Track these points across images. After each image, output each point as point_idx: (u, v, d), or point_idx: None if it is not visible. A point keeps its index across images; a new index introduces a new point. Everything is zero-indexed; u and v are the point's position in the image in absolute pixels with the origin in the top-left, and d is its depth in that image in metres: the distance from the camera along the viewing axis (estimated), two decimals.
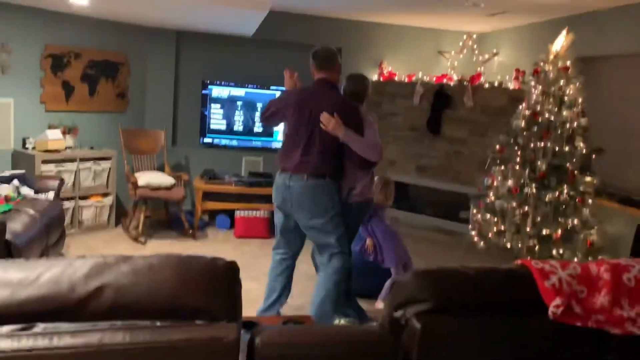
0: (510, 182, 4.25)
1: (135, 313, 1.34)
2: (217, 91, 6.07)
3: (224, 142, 6.19)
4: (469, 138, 5.69)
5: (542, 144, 4.11)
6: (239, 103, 6.15)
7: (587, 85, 4.23)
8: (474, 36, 6.13)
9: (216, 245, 5.23)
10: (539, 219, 4.09)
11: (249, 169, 6.22)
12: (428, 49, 6.37)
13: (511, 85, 5.44)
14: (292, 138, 3.19)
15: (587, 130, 4.11)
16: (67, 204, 4.98)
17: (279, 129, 5.94)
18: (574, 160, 4.06)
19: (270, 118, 3.35)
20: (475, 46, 6.11)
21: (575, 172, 4.05)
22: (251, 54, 6.25)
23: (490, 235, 4.41)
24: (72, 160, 5.09)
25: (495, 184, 4.44)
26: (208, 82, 6.04)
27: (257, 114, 6.13)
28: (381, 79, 6.16)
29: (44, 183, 4.42)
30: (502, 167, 4.39)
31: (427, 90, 5.83)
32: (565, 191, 4.03)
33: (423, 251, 5.01)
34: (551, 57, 4.19)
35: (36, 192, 4.26)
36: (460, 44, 6.17)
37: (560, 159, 4.07)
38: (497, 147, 4.46)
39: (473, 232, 4.70)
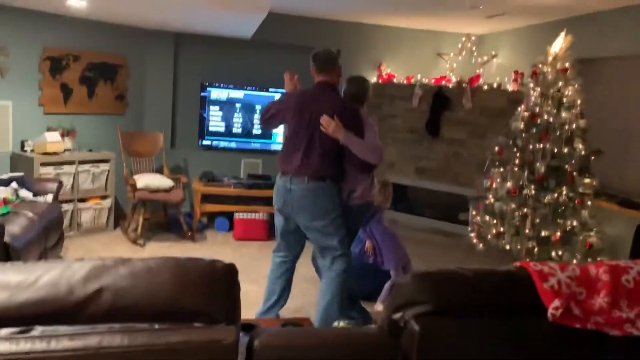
0: (509, 184, 4.24)
1: (134, 316, 1.34)
2: (216, 93, 6.07)
3: (222, 144, 6.19)
4: (468, 140, 5.69)
5: (541, 146, 4.11)
6: (238, 105, 6.14)
7: (586, 87, 4.23)
8: (473, 38, 6.14)
9: (215, 248, 5.23)
10: (537, 220, 4.09)
11: (247, 171, 6.23)
12: (427, 50, 6.38)
13: (510, 87, 5.44)
14: (292, 141, 3.19)
15: (586, 132, 4.11)
16: (66, 207, 4.98)
17: (279, 131, 5.95)
18: (573, 161, 4.05)
19: (269, 120, 3.34)
20: (474, 48, 6.12)
21: (574, 173, 4.05)
22: (250, 56, 6.26)
23: (489, 237, 4.41)
24: (70, 162, 5.08)
25: (494, 185, 4.44)
26: (207, 84, 6.04)
27: (256, 116, 6.13)
28: (380, 81, 6.16)
29: (43, 185, 4.41)
30: (501, 169, 4.39)
31: (426, 92, 5.83)
32: (564, 193, 4.03)
33: (422, 253, 5.00)
34: (550, 58, 4.19)
35: (35, 194, 4.25)
36: (459, 45, 6.18)
37: (559, 160, 4.07)
38: (496, 148, 4.46)
39: (472, 234, 4.70)
